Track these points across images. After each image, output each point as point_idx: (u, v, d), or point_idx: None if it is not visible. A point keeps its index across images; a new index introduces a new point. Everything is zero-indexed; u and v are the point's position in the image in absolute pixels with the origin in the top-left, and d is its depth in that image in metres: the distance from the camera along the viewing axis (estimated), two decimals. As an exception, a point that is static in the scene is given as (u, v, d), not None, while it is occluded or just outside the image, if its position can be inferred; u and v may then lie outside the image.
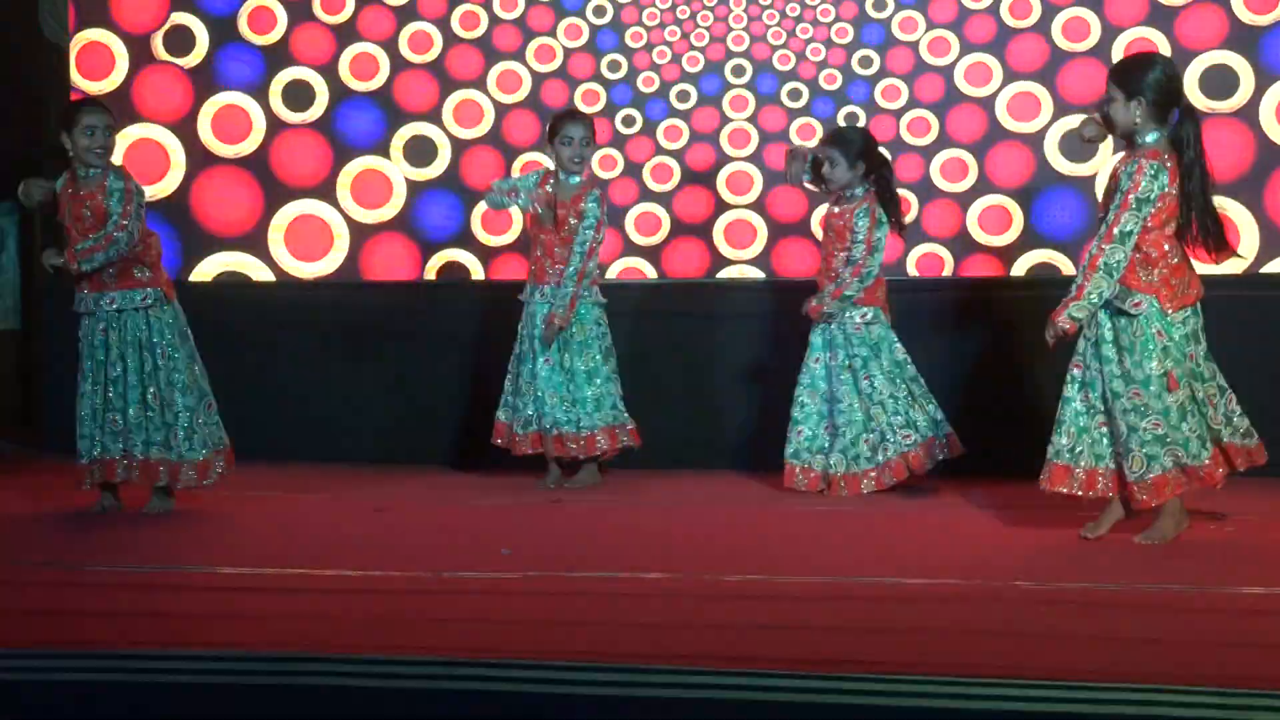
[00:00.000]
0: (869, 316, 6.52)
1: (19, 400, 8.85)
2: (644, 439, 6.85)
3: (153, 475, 5.97)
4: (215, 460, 6.03)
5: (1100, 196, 5.32)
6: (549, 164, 6.83)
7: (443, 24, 7.79)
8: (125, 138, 7.79)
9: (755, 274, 7.55)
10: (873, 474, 6.45)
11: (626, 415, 6.77)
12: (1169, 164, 5.16)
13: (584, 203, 6.66)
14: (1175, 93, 5.24)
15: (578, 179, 6.74)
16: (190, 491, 6.06)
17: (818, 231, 7.06)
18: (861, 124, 7.35)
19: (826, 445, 6.50)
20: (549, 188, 6.72)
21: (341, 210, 7.80)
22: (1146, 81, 5.18)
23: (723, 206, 7.63)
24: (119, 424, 5.96)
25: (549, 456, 6.76)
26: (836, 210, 6.59)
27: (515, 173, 7.63)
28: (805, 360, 6.59)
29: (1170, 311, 5.18)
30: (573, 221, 6.66)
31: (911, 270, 7.43)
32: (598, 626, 4.19)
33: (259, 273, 7.82)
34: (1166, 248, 5.19)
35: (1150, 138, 5.20)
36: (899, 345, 6.55)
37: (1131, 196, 5.11)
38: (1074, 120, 7.15)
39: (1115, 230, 5.13)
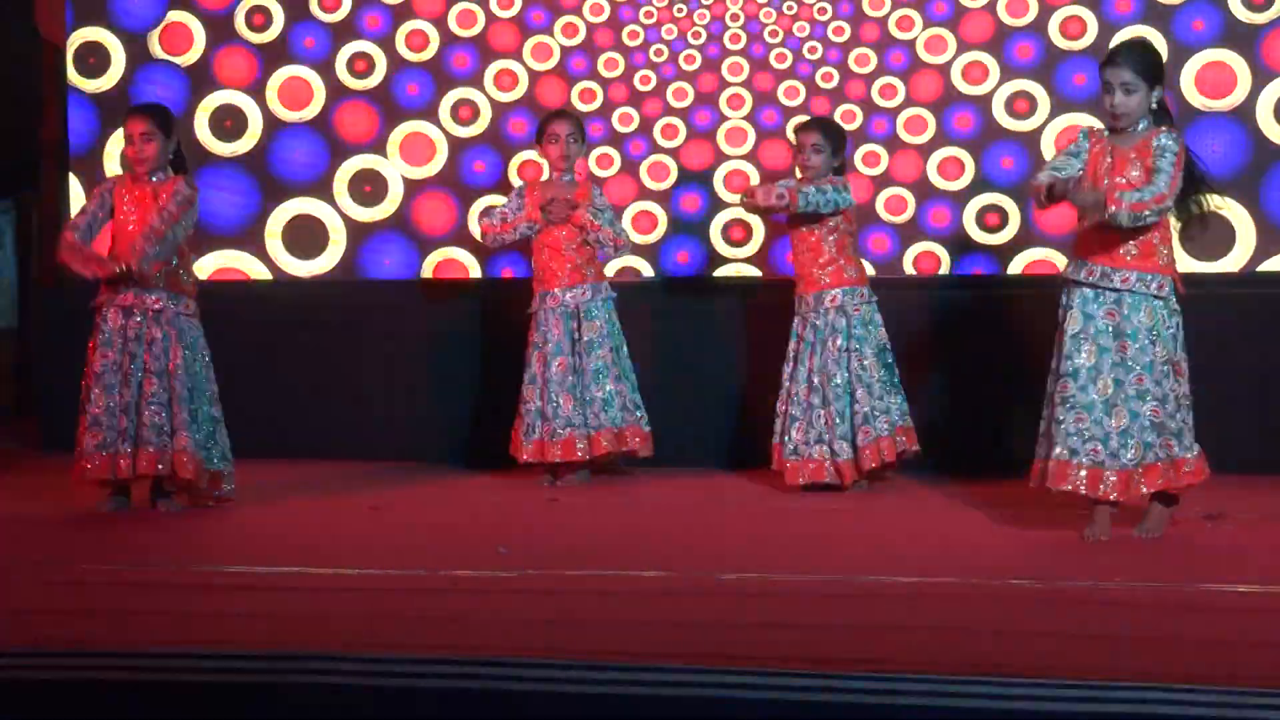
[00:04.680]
0: (866, 296, 6.54)
1: (16, 398, 8.83)
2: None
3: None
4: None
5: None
6: (545, 167, 6.91)
7: (439, 22, 7.77)
8: (121, 137, 7.77)
9: (752, 272, 7.54)
10: (854, 460, 6.45)
11: (637, 418, 6.79)
12: None
13: (593, 196, 6.77)
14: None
15: (570, 177, 6.76)
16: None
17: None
18: (858, 122, 7.36)
19: (826, 435, 6.48)
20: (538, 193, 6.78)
21: (339, 209, 7.79)
22: (1163, 69, 5.19)
23: (719, 204, 7.62)
24: None
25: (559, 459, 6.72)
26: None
27: (513, 172, 7.63)
28: (795, 354, 6.57)
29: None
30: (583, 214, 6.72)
31: (909, 268, 7.42)
32: (594, 625, 4.19)
33: (256, 271, 7.81)
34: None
35: (1147, 124, 5.17)
36: (883, 329, 6.58)
37: (1178, 172, 5.08)
38: (1072, 119, 7.16)
39: (1167, 191, 5.03)
